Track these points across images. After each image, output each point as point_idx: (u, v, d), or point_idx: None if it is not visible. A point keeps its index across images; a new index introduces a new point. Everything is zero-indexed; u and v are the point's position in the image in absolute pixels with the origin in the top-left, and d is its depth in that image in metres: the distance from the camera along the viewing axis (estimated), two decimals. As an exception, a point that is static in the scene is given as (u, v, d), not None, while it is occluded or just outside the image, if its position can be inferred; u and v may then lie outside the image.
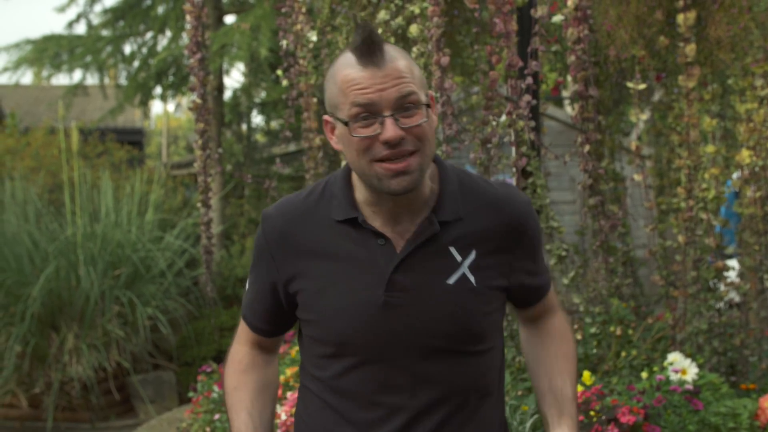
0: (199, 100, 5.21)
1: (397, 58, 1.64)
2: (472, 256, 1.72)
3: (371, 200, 1.72)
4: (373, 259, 1.71)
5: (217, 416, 4.67)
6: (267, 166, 11.54)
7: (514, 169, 4.19)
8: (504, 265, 1.77)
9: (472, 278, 1.72)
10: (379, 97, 1.60)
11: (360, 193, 1.74)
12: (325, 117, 1.73)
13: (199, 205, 5.36)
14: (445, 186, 1.76)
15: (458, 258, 1.72)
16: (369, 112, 1.61)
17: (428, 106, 1.67)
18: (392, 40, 4.49)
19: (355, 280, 1.71)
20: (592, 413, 3.50)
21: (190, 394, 5.12)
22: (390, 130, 1.60)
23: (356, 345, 1.72)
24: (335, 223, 1.73)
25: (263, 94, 12.31)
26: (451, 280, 1.71)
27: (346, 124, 1.64)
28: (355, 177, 1.75)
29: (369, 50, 1.61)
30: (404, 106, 1.62)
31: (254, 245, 1.85)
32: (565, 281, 4.30)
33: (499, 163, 4.25)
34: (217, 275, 9.01)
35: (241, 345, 1.94)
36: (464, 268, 1.72)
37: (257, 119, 14.45)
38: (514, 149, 4.19)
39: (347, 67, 1.64)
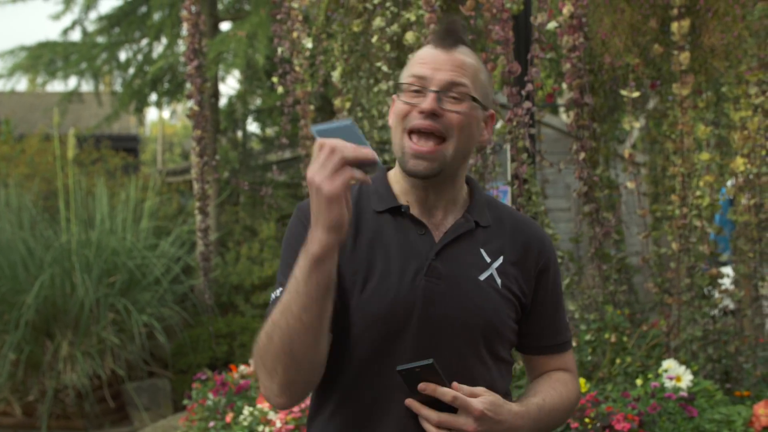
0: (196, 107, 5.22)
1: (467, 55, 1.78)
2: (500, 260, 1.82)
3: (406, 190, 1.82)
4: (414, 245, 1.78)
5: (212, 423, 4.65)
6: (262, 173, 11.53)
7: (509, 177, 4.20)
8: (523, 282, 1.84)
9: (498, 280, 1.80)
10: (432, 74, 1.74)
11: (397, 185, 1.84)
12: (393, 96, 1.84)
13: (196, 212, 5.37)
14: (477, 197, 1.88)
15: (488, 259, 1.81)
16: (420, 84, 1.75)
17: (484, 108, 1.80)
18: (387, 47, 4.49)
19: (396, 265, 1.76)
20: (587, 420, 3.50)
21: (185, 401, 5.11)
22: (429, 101, 1.72)
23: (396, 328, 1.73)
24: (375, 214, 1.82)
25: (259, 101, 12.32)
26: (482, 277, 1.79)
27: (400, 88, 1.78)
28: (391, 173, 1.87)
29: (444, 35, 1.77)
30: (451, 91, 1.74)
31: (287, 236, 1.84)
32: (560, 288, 4.30)
33: (494, 170, 4.26)
34: (212, 282, 9.00)
35: None
36: (492, 269, 1.80)
37: (252, 126, 14.47)
38: (509, 156, 4.20)
39: (423, 49, 1.81)
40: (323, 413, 1.81)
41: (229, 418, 4.57)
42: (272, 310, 1.67)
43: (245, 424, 4.40)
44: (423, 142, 1.73)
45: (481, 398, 1.68)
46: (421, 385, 1.63)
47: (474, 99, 1.75)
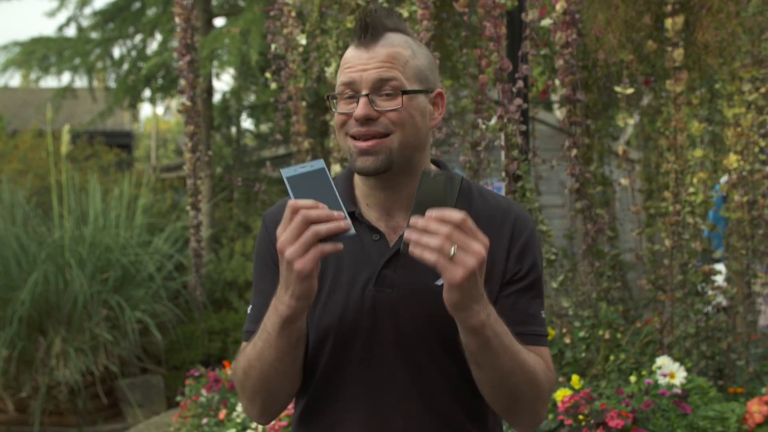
0: (188, 103, 5.20)
1: (394, 45, 1.70)
2: None
3: (365, 193, 1.77)
4: (367, 253, 1.72)
5: (205, 420, 4.65)
6: (256, 169, 11.53)
7: (503, 173, 4.19)
8: (497, 275, 1.73)
9: None
10: (360, 76, 1.67)
11: (358, 188, 1.79)
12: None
13: (188, 208, 5.35)
14: None
15: None
16: (351, 90, 1.69)
17: (427, 91, 1.73)
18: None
19: (347, 274, 1.72)
20: (580, 417, 3.50)
21: (179, 398, 5.11)
22: (360, 108, 1.66)
23: (346, 339, 1.70)
24: None
25: (252, 97, 12.31)
26: (440, 281, 1.66)
27: (335, 98, 1.73)
28: (356, 177, 1.80)
29: (362, 32, 1.70)
30: (382, 88, 1.67)
31: (255, 249, 1.85)
32: (554, 285, 4.30)
33: (488, 167, 4.26)
34: (206, 279, 9.00)
35: None
36: None
37: (247, 122, 14.45)
38: (503, 153, 4.20)
39: (347, 51, 1.74)
40: (297, 421, 1.83)
41: (222, 414, 4.57)
42: (246, 346, 1.71)
43: (238, 420, 4.40)
44: (364, 140, 1.68)
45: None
46: (428, 212, 1.46)
47: (407, 91, 1.68)
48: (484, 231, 1.55)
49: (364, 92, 1.67)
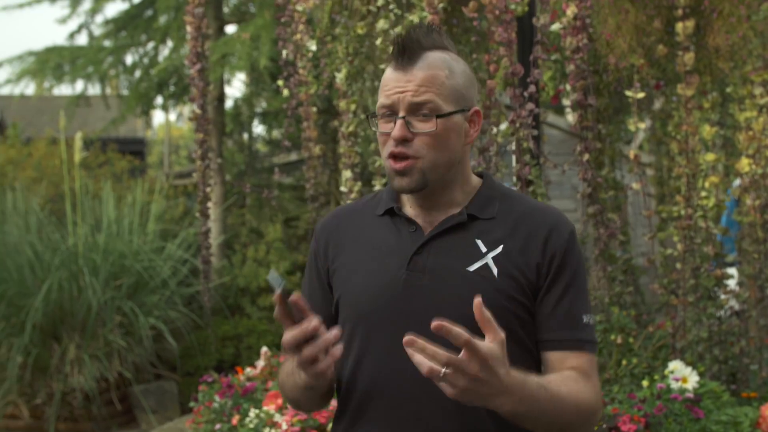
0: (198, 111, 5.23)
1: (431, 66, 1.76)
2: (499, 249, 1.78)
3: (407, 198, 1.87)
4: (403, 243, 1.82)
5: (218, 426, 4.66)
6: (268, 175, 11.55)
7: (515, 178, 4.20)
8: (528, 270, 1.77)
9: (494, 270, 1.76)
10: (398, 99, 1.75)
11: (401, 194, 1.89)
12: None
13: (198, 214, 5.38)
14: (483, 191, 1.87)
15: (483, 249, 1.78)
16: (389, 110, 1.77)
17: (463, 110, 1.79)
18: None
19: (383, 262, 1.81)
20: (592, 422, 3.50)
21: (192, 404, 5.12)
22: (397, 129, 1.75)
23: (377, 323, 1.77)
24: (377, 217, 1.89)
25: (264, 104, 12.34)
26: (472, 268, 1.76)
27: (375, 117, 1.82)
28: None
29: (399, 54, 1.76)
30: (420, 111, 1.75)
31: (308, 258, 1.99)
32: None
33: (498, 171, 4.26)
34: (219, 285, 9.03)
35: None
36: (488, 259, 1.77)
37: (258, 129, 14.49)
38: (514, 158, 4.20)
39: (386, 72, 1.81)
40: (338, 409, 1.89)
41: (235, 420, 4.57)
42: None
43: (251, 426, 4.41)
44: (399, 161, 1.77)
45: (491, 345, 1.50)
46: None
47: (442, 115, 1.75)
48: (510, 231, 1.78)
49: (401, 114, 1.75)
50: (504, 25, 4.02)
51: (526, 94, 4.09)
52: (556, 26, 4.31)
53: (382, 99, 1.78)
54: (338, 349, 1.62)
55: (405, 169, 1.76)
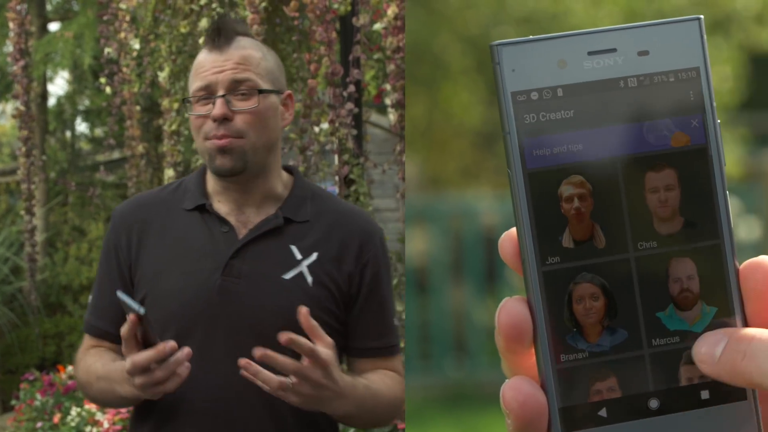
0: (22, 108, 5.19)
1: (246, 47, 1.75)
2: (313, 257, 1.74)
3: (218, 189, 1.78)
4: (215, 244, 1.73)
5: (39, 424, 4.66)
6: (92, 173, 11.32)
7: (336, 178, 4.30)
8: (341, 279, 1.76)
9: (309, 279, 1.72)
10: (216, 78, 1.70)
11: (210, 184, 1.81)
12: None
13: (22, 212, 5.32)
14: (296, 191, 1.82)
15: (298, 256, 1.73)
16: (207, 92, 1.71)
17: (278, 92, 1.78)
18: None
19: (194, 264, 1.73)
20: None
21: (13, 402, 5.08)
22: (217, 108, 1.68)
23: (190, 327, 1.69)
24: (185, 212, 1.78)
25: (87, 102, 12.11)
26: (288, 276, 1.72)
27: (189, 102, 1.76)
28: (209, 174, 1.82)
29: (215, 35, 1.74)
30: (238, 89, 1.70)
31: (103, 242, 1.86)
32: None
33: (320, 171, 4.35)
34: (41, 283, 8.84)
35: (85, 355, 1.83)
36: (303, 267, 1.73)
37: (82, 127, 14.16)
38: (336, 157, 4.31)
39: (199, 56, 1.78)
40: (138, 410, 1.81)
41: (56, 418, 4.57)
42: (88, 350, 1.79)
43: (73, 424, 4.42)
44: (221, 138, 1.70)
45: (328, 351, 1.51)
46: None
47: (263, 90, 1.73)
48: (324, 237, 1.74)
49: (220, 93, 1.70)
50: (324, 24, 4.04)
51: (345, 93, 4.16)
52: (378, 26, 4.41)
53: (197, 82, 1.73)
54: (185, 369, 1.52)
55: (227, 147, 1.68)
